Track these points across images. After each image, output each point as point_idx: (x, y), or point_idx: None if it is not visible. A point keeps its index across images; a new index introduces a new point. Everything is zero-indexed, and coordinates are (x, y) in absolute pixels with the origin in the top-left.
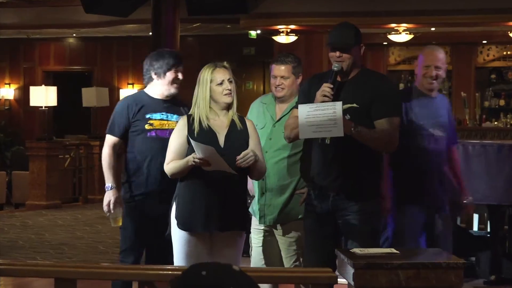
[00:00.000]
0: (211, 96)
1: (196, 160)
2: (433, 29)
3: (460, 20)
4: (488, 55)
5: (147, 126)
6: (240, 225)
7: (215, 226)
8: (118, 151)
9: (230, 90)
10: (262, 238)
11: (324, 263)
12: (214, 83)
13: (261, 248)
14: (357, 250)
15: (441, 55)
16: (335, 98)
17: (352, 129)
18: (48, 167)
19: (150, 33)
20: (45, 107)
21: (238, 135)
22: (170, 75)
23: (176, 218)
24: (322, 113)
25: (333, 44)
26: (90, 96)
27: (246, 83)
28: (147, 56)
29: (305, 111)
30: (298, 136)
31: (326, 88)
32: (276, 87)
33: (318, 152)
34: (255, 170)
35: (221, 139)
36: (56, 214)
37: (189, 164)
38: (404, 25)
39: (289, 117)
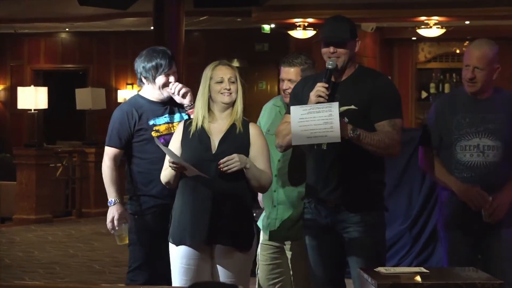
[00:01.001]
0: (210, 96)
1: (170, 165)
2: (467, 22)
3: (498, 12)
4: None
5: (154, 134)
6: (233, 239)
7: (201, 237)
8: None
9: (229, 90)
10: (270, 255)
11: (330, 282)
12: (214, 80)
13: (269, 265)
14: (382, 269)
15: (485, 53)
16: (330, 99)
17: (351, 133)
18: (37, 177)
19: (152, 28)
20: (34, 110)
21: (234, 141)
22: (160, 80)
23: (169, 231)
24: (317, 116)
25: (327, 39)
26: (85, 98)
27: (258, 83)
28: (138, 55)
29: (298, 114)
30: (291, 144)
31: (320, 87)
32: (284, 92)
33: (313, 159)
34: (251, 179)
35: (214, 144)
36: (46, 229)
37: (172, 171)
38: (435, 18)
39: (280, 122)
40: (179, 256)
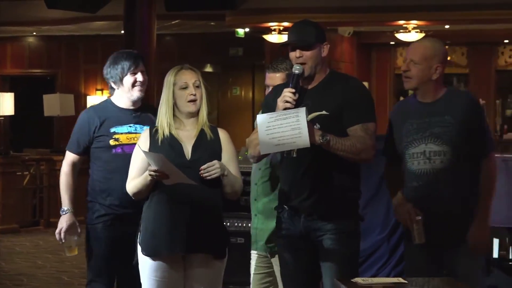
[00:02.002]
0: (175, 103)
1: (151, 173)
2: (447, 26)
3: (478, 16)
4: (510, 57)
5: (112, 142)
6: (210, 247)
7: (180, 247)
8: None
9: (194, 96)
10: (260, 265)
11: None
12: (178, 86)
13: (259, 275)
14: (359, 280)
15: (423, 47)
16: (300, 105)
17: (320, 139)
18: (4, 186)
19: (122, 32)
20: (0, 116)
21: (207, 146)
22: (127, 80)
23: (140, 243)
24: (284, 122)
25: (292, 43)
26: (53, 104)
27: (232, 88)
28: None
29: (264, 122)
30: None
31: (287, 93)
32: None
33: (286, 167)
34: (226, 185)
35: (188, 151)
36: (13, 239)
37: (148, 180)
38: (414, 22)
39: (252, 132)
40: (152, 269)
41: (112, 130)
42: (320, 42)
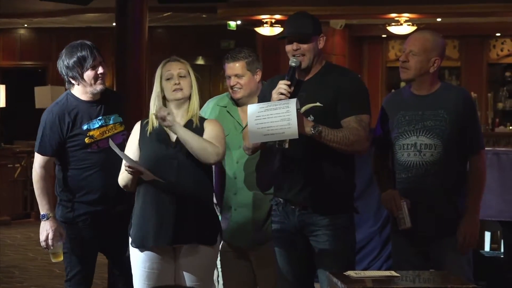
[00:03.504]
0: (164, 95)
1: (127, 169)
2: (439, 19)
3: (470, 9)
4: (502, 50)
5: (87, 140)
6: (199, 237)
7: (167, 238)
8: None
9: (178, 85)
10: (232, 260)
11: (299, 286)
12: (164, 78)
13: (230, 271)
14: (351, 273)
15: (423, 39)
16: (295, 97)
17: (311, 130)
18: None
19: (114, 24)
20: None
21: None
22: (88, 76)
23: (130, 235)
24: (274, 113)
25: (289, 35)
26: (44, 96)
27: (224, 81)
28: (59, 57)
29: (255, 112)
30: (258, 145)
31: (282, 85)
32: (232, 88)
33: (280, 159)
34: (191, 147)
35: (173, 141)
36: (4, 232)
37: (129, 175)
38: (406, 15)
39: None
40: (142, 260)
41: (85, 127)
42: (317, 34)
